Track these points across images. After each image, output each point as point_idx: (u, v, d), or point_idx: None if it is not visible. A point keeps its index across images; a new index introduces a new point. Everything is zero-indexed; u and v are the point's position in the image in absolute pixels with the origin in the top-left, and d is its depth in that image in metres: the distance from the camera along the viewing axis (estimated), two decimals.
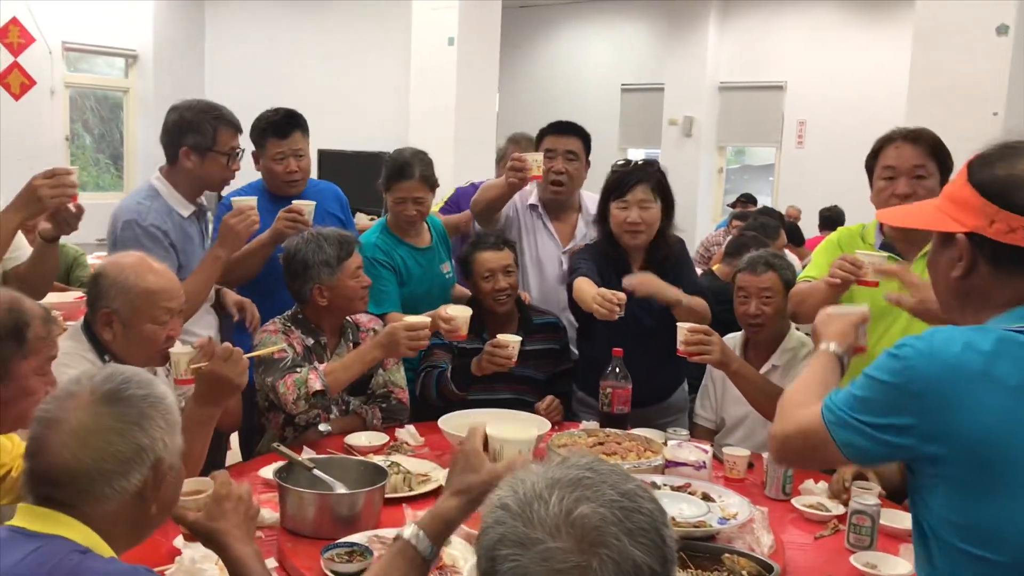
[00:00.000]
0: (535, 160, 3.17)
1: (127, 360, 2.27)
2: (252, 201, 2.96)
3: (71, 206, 2.52)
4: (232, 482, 1.67)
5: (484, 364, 2.92)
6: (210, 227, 3.15)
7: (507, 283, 3.12)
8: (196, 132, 2.90)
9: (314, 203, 3.16)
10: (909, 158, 2.59)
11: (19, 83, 8.85)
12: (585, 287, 2.84)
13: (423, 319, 2.77)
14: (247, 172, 3.30)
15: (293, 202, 3.13)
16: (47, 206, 2.45)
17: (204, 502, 1.67)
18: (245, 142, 3.14)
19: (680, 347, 2.74)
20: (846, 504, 2.29)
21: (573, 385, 3.27)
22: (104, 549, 1.32)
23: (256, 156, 3.33)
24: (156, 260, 2.36)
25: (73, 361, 2.19)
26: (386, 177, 3.25)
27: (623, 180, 3.05)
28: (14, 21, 8.77)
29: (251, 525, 1.67)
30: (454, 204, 4.10)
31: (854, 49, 9.65)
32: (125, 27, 9.71)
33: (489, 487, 1.32)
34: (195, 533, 1.64)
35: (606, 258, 3.10)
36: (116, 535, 1.35)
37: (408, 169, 3.21)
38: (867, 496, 2.20)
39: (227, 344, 2.21)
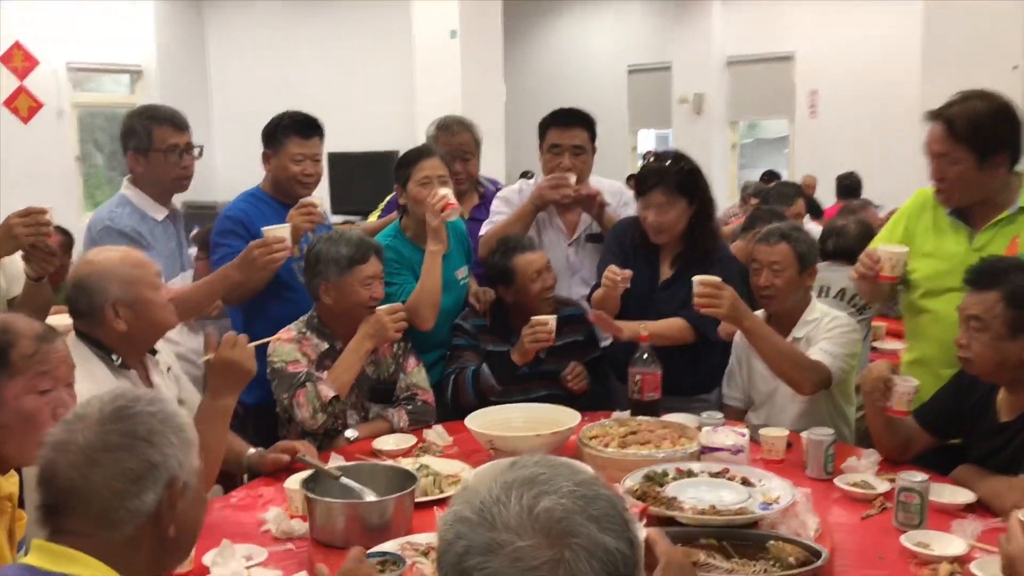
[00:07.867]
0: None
1: (143, 343, 2.29)
2: (284, 232, 2.88)
3: (48, 243, 2.57)
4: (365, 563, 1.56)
5: (527, 345, 2.93)
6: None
7: (552, 279, 3.11)
8: (134, 135, 2.99)
9: (321, 199, 3.15)
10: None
11: (27, 106, 8.85)
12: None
13: (397, 304, 2.90)
14: (246, 178, 3.25)
15: (303, 199, 3.10)
16: (21, 244, 2.51)
17: None
18: (202, 138, 3.14)
19: (695, 299, 2.71)
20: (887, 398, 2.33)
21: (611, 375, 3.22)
22: None
23: (267, 156, 3.22)
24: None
25: (80, 375, 2.14)
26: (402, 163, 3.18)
27: (643, 180, 3.03)
28: (17, 45, 8.76)
29: None
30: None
31: (863, 15, 9.50)
32: (128, 43, 9.70)
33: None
34: None
35: (637, 250, 3.08)
36: (136, 565, 1.29)
37: (426, 149, 3.20)
38: (914, 473, 2.12)
39: (230, 332, 2.27)
